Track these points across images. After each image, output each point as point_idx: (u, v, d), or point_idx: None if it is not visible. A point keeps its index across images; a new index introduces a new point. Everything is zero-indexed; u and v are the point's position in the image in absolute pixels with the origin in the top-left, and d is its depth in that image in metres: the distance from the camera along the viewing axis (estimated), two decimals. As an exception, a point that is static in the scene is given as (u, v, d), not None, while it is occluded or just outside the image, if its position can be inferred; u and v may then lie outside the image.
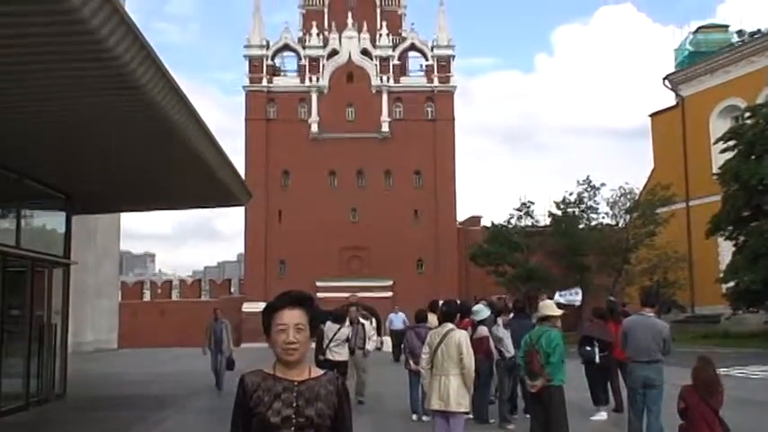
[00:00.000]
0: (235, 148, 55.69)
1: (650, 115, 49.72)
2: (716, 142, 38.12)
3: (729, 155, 35.20)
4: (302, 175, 55.96)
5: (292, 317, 3.27)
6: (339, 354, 14.36)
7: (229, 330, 18.56)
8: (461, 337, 8.80)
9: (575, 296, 26.71)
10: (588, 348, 13.42)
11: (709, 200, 39.82)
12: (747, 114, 35.55)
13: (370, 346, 15.82)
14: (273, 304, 3.34)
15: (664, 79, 45.32)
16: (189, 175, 14.58)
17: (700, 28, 46.21)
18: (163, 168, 14.26)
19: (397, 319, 27.69)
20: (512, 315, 13.39)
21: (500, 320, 13.08)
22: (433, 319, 12.04)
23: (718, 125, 41.77)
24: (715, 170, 38.66)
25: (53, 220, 17.58)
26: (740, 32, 40.97)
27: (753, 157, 33.28)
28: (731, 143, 35.00)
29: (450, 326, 8.92)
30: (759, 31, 39.78)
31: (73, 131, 11.24)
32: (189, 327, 41.25)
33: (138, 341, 42.78)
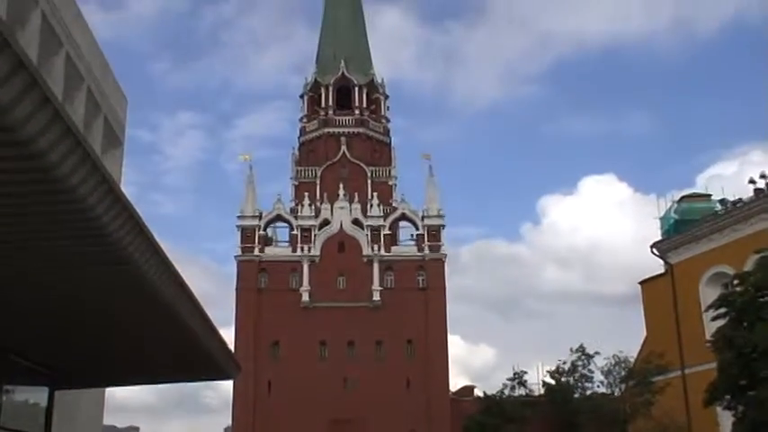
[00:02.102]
0: (224, 319, 55.43)
1: (640, 283, 49.93)
2: (707, 309, 38.00)
3: (721, 322, 35.02)
4: (292, 346, 55.32)
5: None
6: None
7: None
8: None
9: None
10: None
11: (705, 367, 39.22)
12: (736, 282, 35.68)
13: None
14: None
15: (651, 247, 45.89)
16: (178, 351, 14.33)
17: (684, 197, 47.24)
18: (152, 344, 14.04)
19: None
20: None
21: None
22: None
23: (708, 292, 41.83)
24: (708, 337, 38.35)
25: (36, 395, 17.10)
26: (723, 201, 41.81)
27: (744, 324, 33.09)
28: (722, 310, 34.89)
29: None
30: (740, 200, 40.58)
31: (61, 308, 11.13)
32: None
33: None
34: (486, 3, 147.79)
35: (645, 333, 50.67)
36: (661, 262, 46.51)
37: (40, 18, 16.39)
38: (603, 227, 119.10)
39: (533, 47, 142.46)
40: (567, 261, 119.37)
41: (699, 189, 48.42)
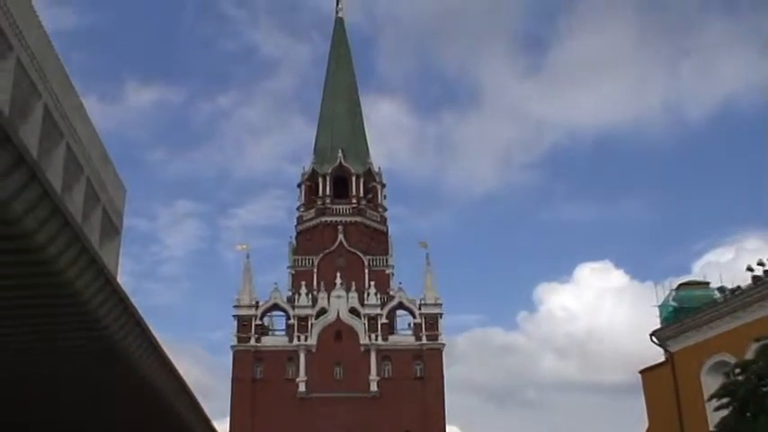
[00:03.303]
0: (220, 410, 54.56)
1: (640, 372, 49.29)
2: (709, 399, 37.35)
3: (725, 411, 34.48)
4: (289, 437, 54.21)
5: None
6: None
7: None
8: None
9: None
10: None
11: (710, 460, 38.40)
12: (737, 371, 35.26)
13: None
14: None
15: (651, 335, 45.45)
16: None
17: (682, 285, 47.07)
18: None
19: None
20: None
21: None
22: None
23: (710, 381, 41.22)
24: (711, 428, 37.66)
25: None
26: (721, 289, 41.63)
27: (748, 414, 32.58)
28: (725, 400, 34.39)
29: None
30: (739, 287, 40.44)
31: (55, 398, 10.95)
32: None
33: None
34: (479, 92, 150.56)
35: (647, 423, 49.82)
36: (661, 350, 46.03)
37: (43, 109, 16.65)
38: (600, 315, 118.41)
39: (526, 135, 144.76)
40: (565, 350, 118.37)
41: (695, 276, 48.29)
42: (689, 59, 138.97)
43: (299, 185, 66.62)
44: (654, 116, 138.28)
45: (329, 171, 64.50)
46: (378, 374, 56.73)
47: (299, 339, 57.57)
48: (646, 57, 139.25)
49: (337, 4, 74.08)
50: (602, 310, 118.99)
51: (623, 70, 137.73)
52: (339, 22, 73.56)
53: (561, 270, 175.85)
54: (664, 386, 46.07)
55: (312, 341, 57.48)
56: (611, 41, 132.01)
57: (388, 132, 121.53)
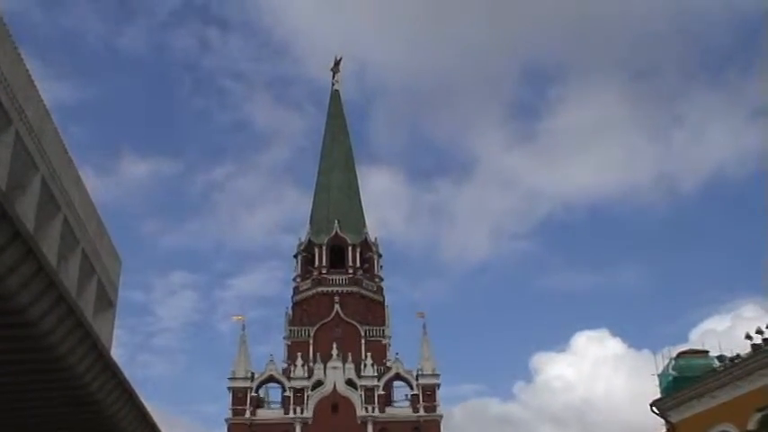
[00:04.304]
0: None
1: (642, 443, 48.56)
2: (713, 471, 36.87)
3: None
4: None
5: None
6: None
7: None
8: None
9: None
10: None
11: None
12: (740, 441, 34.81)
13: None
14: None
15: (651, 405, 44.94)
16: None
17: (681, 353, 46.78)
18: None
19: None
20: None
21: None
22: None
23: (713, 452, 40.69)
24: (717, 501, 36.98)
25: None
26: (721, 357, 41.34)
27: (753, 486, 32.02)
28: (729, 472, 33.86)
29: None
30: (738, 355, 40.19)
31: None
32: None
33: None
34: (472, 161, 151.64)
35: (651, 497, 48.85)
36: (662, 420, 45.47)
37: (40, 182, 16.73)
38: (598, 384, 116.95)
39: (520, 204, 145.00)
40: (563, 420, 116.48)
41: (692, 344, 47.97)
42: (680, 128, 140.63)
43: (295, 256, 66.59)
44: (647, 184, 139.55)
45: (325, 241, 64.58)
46: (375, 447, 55.81)
47: (294, 412, 56.77)
48: (637, 125, 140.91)
49: (333, 77, 75.26)
50: (600, 379, 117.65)
51: (615, 139, 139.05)
52: (335, 95, 74.61)
53: (558, 339, 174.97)
54: (666, 458, 45.27)
55: (308, 413, 56.69)
56: (603, 110, 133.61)
57: (383, 202, 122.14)
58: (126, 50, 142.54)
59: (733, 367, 39.93)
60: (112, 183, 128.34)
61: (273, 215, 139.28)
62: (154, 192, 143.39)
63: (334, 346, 58.61)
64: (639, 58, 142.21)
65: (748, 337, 34.94)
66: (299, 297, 64.12)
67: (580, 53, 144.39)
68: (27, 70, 16.27)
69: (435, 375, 58.86)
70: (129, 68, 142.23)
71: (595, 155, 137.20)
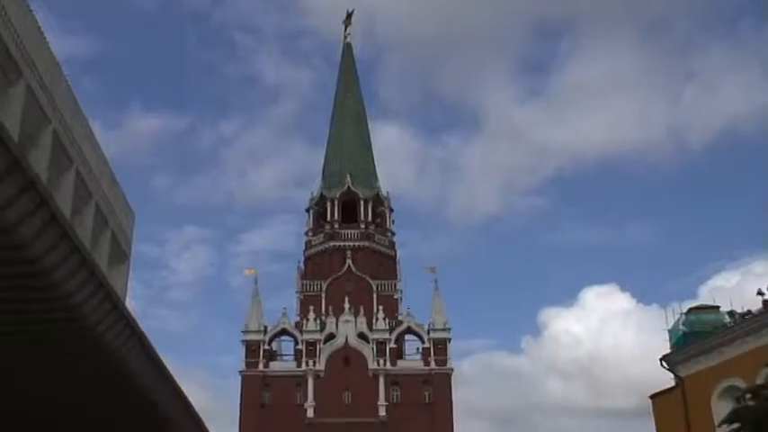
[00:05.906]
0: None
1: (650, 397, 48.91)
2: (720, 424, 37.05)
3: (736, 437, 34.13)
4: (297, 464, 53.90)
5: None
6: None
7: None
8: None
9: None
10: None
11: (722, 486, 37.96)
12: (748, 396, 34.99)
13: None
14: None
15: (661, 360, 45.13)
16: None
17: (692, 309, 46.85)
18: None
19: None
20: None
21: None
22: None
23: (721, 405, 40.85)
24: (723, 453, 37.27)
25: None
26: (731, 313, 41.45)
27: (760, 439, 32.26)
28: (735, 425, 34.10)
29: None
30: (749, 312, 40.25)
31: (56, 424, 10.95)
32: None
33: None
34: (482, 116, 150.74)
35: (658, 449, 49.29)
36: (670, 375, 45.69)
37: (52, 136, 16.76)
38: (606, 339, 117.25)
39: (530, 159, 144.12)
40: (571, 374, 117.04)
41: (702, 300, 47.94)
42: (692, 83, 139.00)
43: (307, 210, 66.67)
44: (658, 140, 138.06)
45: (337, 196, 64.58)
46: (386, 400, 56.44)
47: (307, 365, 57.38)
48: (649, 80, 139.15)
49: (345, 30, 74.52)
50: (608, 334, 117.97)
51: (626, 94, 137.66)
52: (347, 48, 73.96)
53: (566, 294, 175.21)
54: (674, 411, 45.66)
55: (320, 366, 57.29)
56: (614, 65, 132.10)
57: (393, 157, 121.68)
58: (136, 2, 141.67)
59: (744, 323, 40.04)
60: (121, 137, 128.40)
61: (284, 170, 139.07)
62: (163, 146, 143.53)
63: (346, 299, 59.00)
64: (651, 9, 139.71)
65: (760, 293, 34.95)
66: (310, 251, 64.34)
67: (591, 4, 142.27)
68: (37, 22, 16.21)
69: (446, 329, 59.23)
70: (138, 21, 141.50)
71: (606, 110, 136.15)
